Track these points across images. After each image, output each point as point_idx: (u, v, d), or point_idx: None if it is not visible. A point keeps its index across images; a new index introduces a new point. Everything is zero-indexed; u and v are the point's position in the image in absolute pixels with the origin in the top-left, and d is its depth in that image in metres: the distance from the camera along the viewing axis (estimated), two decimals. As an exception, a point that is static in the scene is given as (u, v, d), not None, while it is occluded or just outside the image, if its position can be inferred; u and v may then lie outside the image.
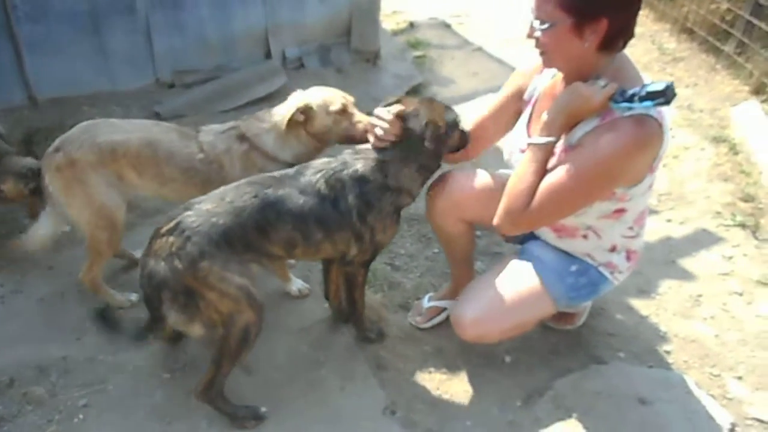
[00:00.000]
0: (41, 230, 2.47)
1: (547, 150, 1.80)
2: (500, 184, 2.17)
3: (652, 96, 1.64)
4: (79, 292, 2.59)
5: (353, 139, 2.31)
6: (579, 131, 1.80)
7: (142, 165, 2.35)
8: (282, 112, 2.34)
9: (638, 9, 1.72)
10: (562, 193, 1.76)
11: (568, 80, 1.83)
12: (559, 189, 1.76)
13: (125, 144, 2.32)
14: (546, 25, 1.72)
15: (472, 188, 2.20)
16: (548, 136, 1.79)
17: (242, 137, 2.37)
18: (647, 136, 1.70)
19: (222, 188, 2.01)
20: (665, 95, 1.63)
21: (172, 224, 1.88)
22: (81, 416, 2.11)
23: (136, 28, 4.04)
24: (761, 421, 2.14)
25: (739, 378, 2.31)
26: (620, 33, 1.71)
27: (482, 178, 2.22)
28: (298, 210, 1.97)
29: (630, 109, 1.69)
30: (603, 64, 1.77)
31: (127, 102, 4.06)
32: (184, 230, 1.85)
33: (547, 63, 1.85)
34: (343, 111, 2.33)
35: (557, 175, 1.76)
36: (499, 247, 2.92)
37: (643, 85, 1.68)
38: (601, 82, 1.73)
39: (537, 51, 1.83)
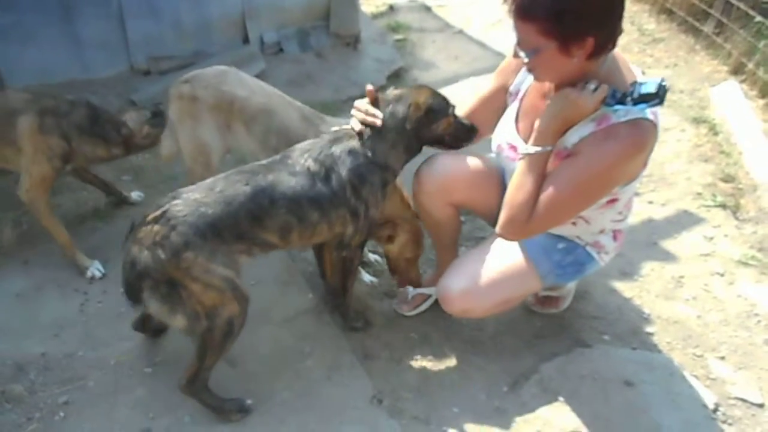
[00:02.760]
0: (168, 143, 2.59)
1: (543, 158, 1.77)
2: (489, 167, 2.18)
3: (645, 98, 1.61)
4: (56, 286, 2.53)
5: None
6: (573, 135, 1.77)
7: (256, 126, 2.42)
8: None
9: (622, 13, 1.65)
10: (564, 201, 1.76)
11: (559, 86, 1.79)
12: (562, 198, 1.75)
13: (244, 101, 2.41)
14: (531, 52, 1.68)
15: (461, 171, 2.18)
16: (543, 144, 1.76)
17: None
18: (645, 139, 1.70)
19: (212, 179, 1.97)
20: (658, 96, 1.60)
21: (158, 212, 1.83)
22: (62, 414, 2.07)
23: (109, 14, 3.92)
24: (744, 401, 2.17)
25: (722, 358, 2.34)
26: (608, 41, 1.66)
27: (471, 161, 2.20)
28: (290, 192, 1.94)
29: (625, 112, 1.67)
30: (594, 68, 1.72)
31: (102, 90, 3.94)
32: (170, 219, 1.81)
33: (538, 79, 1.83)
34: None
35: (558, 184, 1.74)
36: (483, 231, 2.91)
37: (634, 85, 1.64)
38: (591, 86, 1.68)
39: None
